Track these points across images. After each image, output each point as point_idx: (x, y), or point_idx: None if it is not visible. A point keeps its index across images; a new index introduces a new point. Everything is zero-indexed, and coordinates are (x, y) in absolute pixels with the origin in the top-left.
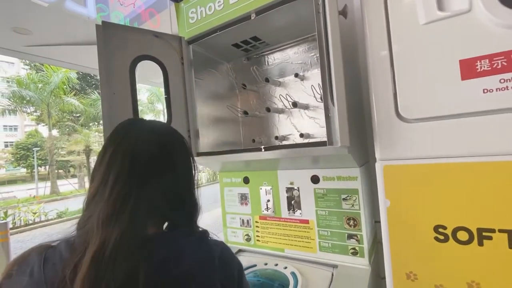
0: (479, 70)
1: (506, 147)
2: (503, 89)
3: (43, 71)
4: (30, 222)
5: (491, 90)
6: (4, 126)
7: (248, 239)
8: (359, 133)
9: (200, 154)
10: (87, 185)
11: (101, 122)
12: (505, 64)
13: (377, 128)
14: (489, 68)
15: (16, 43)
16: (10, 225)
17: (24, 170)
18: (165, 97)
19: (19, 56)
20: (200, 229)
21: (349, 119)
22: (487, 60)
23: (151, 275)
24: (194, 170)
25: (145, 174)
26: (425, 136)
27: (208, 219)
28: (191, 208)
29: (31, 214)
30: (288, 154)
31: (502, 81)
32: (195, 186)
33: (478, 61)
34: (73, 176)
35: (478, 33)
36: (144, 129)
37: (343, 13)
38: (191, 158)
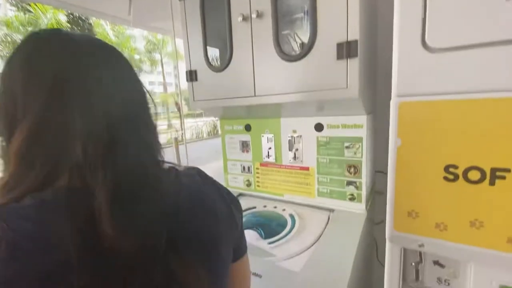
0: None
1: None
2: None
3: (31, 12)
4: None
5: None
6: None
7: (249, 184)
8: (370, 79)
9: (199, 99)
10: None
11: None
12: None
13: (398, 59)
14: None
15: None
16: None
17: None
18: None
19: None
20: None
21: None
22: None
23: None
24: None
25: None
26: (451, 68)
27: (209, 170)
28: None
29: None
30: (296, 98)
31: None
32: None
33: None
34: None
35: None
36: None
37: None
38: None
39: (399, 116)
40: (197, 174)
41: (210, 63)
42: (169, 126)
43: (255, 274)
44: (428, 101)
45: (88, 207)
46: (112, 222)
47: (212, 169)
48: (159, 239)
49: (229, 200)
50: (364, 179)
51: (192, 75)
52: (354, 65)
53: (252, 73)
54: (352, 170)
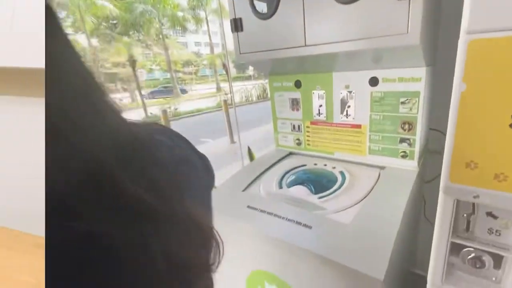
0: None
1: None
2: None
3: None
4: None
5: None
6: None
7: (299, 143)
8: (433, 23)
9: (246, 52)
10: (138, 98)
11: (141, 30)
12: None
13: None
14: None
15: None
16: None
17: None
18: None
19: None
20: None
21: None
22: None
23: None
24: None
25: None
26: None
27: (259, 133)
28: None
29: None
30: (350, 47)
31: None
32: None
33: None
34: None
35: None
36: None
37: None
38: None
39: (467, 57)
40: (164, 129)
41: (256, 9)
42: (218, 89)
43: (305, 225)
44: (503, 37)
45: (88, 168)
46: (129, 178)
47: (262, 132)
48: (171, 188)
49: (200, 153)
50: (418, 136)
51: (237, 24)
52: (417, 5)
53: (302, 19)
54: (406, 127)
